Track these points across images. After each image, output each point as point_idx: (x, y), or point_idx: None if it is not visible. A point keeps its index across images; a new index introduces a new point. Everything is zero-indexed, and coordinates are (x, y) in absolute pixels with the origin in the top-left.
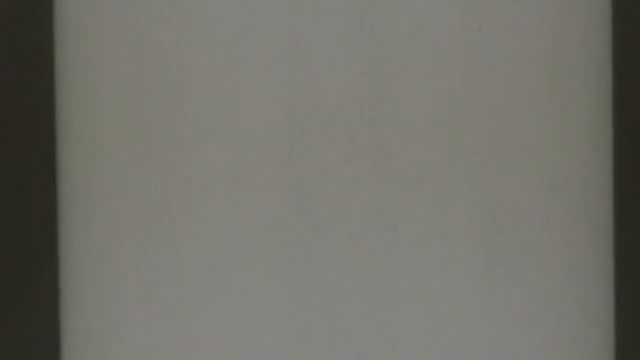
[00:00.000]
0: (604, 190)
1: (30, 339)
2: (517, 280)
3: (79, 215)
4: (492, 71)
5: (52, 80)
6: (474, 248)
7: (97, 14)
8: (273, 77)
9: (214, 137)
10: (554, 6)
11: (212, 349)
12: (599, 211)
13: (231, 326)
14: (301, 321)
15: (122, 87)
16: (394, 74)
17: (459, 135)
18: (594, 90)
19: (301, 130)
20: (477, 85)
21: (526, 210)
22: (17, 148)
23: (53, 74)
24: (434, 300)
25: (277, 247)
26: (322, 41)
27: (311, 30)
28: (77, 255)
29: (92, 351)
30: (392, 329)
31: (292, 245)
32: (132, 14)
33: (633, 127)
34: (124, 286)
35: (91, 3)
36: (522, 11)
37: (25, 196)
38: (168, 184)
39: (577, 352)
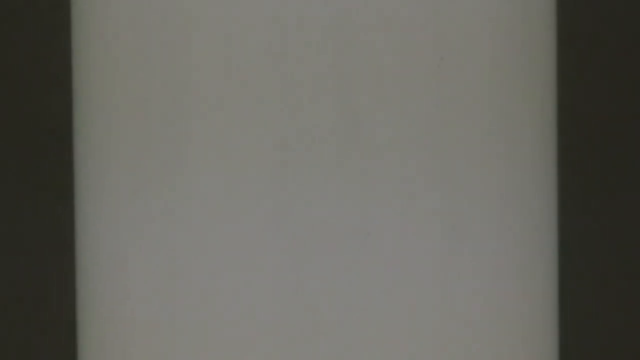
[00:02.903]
0: (550, 207)
1: (44, 332)
2: (473, 283)
3: (95, 203)
4: (455, 98)
5: (69, 74)
6: (437, 253)
7: (111, 14)
8: (263, 111)
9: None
10: (504, 40)
11: (202, 347)
12: (544, 223)
13: (222, 318)
14: (287, 315)
15: (136, 83)
16: (366, 102)
17: (425, 158)
18: (540, 118)
19: (287, 154)
20: (442, 112)
21: (481, 224)
22: (33, 143)
23: (70, 67)
24: (399, 295)
25: (267, 253)
26: (305, 80)
27: (295, 73)
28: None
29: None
30: (365, 324)
31: (281, 250)
32: (144, 14)
33: (575, 162)
34: (133, 281)
35: (107, 5)
36: (482, 42)
37: (41, 188)
38: (170, 184)
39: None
